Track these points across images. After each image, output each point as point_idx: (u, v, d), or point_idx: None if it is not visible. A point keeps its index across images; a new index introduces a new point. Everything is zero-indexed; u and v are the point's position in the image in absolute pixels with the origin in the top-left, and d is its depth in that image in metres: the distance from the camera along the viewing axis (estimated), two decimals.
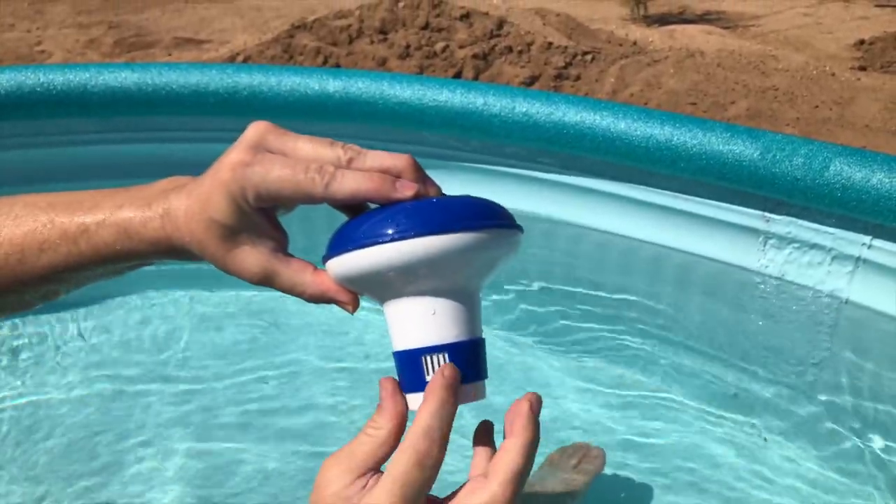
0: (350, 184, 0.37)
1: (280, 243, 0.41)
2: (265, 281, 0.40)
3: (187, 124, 1.38)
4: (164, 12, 4.72)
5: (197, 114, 1.35)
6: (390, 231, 0.36)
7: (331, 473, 0.37)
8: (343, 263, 0.38)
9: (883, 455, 1.16)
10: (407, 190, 0.38)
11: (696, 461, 1.24)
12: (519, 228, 0.39)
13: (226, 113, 1.34)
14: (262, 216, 0.39)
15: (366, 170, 0.38)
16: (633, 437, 1.28)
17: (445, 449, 0.37)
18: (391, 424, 0.38)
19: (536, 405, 0.39)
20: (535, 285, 1.44)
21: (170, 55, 3.85)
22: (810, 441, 1.25)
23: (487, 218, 0.37)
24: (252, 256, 0.40)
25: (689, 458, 1.24)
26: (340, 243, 0.38)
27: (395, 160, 0.39)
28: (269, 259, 0.40)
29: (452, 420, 0.37)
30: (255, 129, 0.39)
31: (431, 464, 0.36)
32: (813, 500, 1.17)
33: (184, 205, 0.39)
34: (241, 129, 1.46)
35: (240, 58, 3.47)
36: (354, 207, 0.41)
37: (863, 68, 3.69)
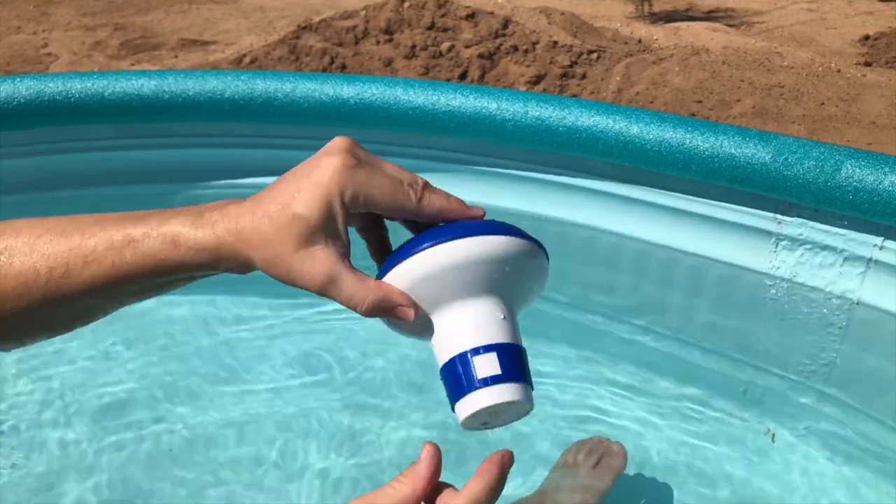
0: (437, 202, 0.42)
1: (347, 250, 0.41)
2: (327, 286, 0.40)
3: (203, 130, 1.39)
4: (168, 14, 4.73)
5: (213, 120, 1.36)
6: (467, 230, 0.41)
7: None
8: (426, 259, 0.41)
9: (894, 455, 1.17)
10: (478, 211, 0.43)
11: (707, 460, 1.25)
12: (547, 257, 0.46)
13: (241, 119, 1.35)
14: (342, 219, 0.40)
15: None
16: (647, 437, 1.29)
17: None
18: (417, 485, 0.39)
19: (508, 459, 0.41)
20: (547, 286, 1.45)
21: (176, 57, 3.86)
22: (820, 441, 1.26)
23: (535, 239, 0.44)
24: (322, 257, 0.39)
25: (700, 457, 1.26)
26: (413, 246, 0.41)
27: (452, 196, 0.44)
28: (336, 263, 0.40)
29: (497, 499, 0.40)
30: (345, 142, 0.41)
31: None
32: (822, 500, 1.19)
33: (247, 207, 0.40)
34: (257, 135, 1.46)
35: (246, 59, 3.48)
36: (419, 226, 0.44)
37: (868, 64, 3.68)
